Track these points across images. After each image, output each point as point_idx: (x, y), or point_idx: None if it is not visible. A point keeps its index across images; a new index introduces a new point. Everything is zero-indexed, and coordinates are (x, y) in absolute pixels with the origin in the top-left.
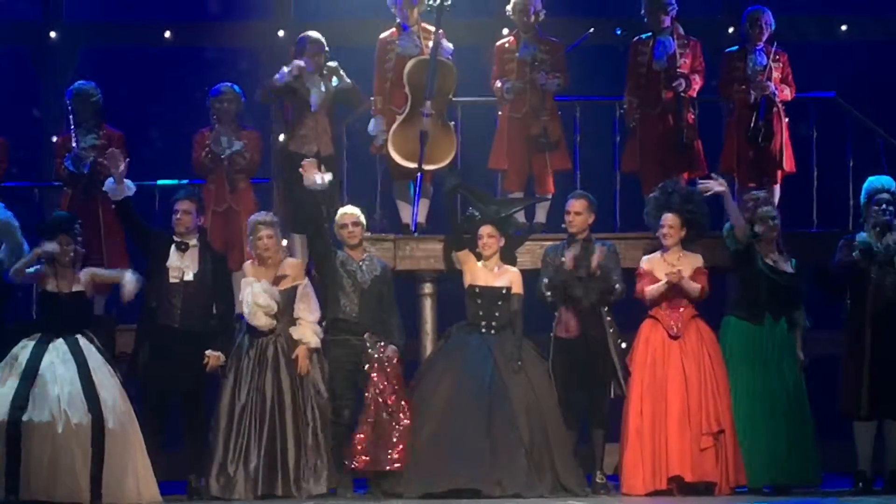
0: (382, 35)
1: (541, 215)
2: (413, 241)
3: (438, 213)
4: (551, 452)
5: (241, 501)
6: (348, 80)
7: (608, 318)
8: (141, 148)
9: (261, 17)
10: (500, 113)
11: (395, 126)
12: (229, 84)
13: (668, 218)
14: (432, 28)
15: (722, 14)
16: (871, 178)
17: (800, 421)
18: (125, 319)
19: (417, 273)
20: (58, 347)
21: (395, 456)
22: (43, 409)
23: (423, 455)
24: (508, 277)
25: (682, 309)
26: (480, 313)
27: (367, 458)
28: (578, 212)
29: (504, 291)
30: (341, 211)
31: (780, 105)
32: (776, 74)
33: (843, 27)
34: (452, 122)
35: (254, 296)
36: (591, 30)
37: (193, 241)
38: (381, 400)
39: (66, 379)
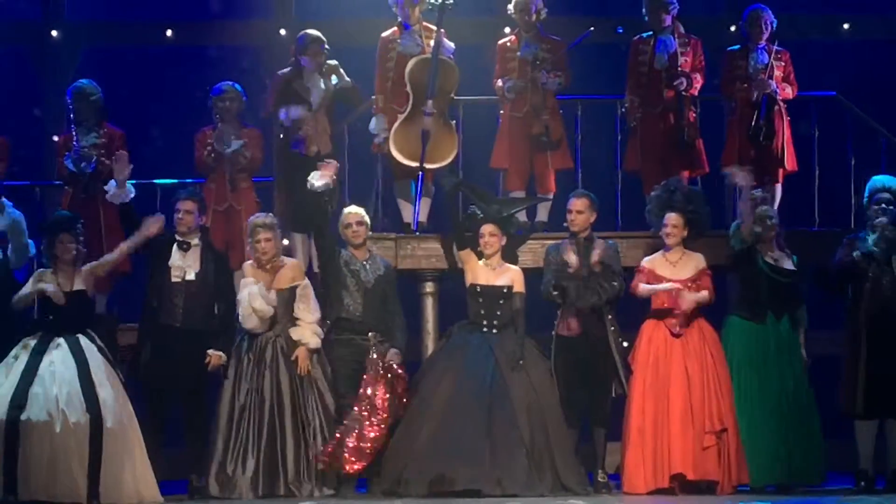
0: (384, 34)
1: (542, 214)
2: (414, 240)
3: (440, 213)
4: (552, 452)
5: (241, 501)
6: (348, 79)
7: (609, 317)
8: (142, 147)
9: (262, 16)
10: (501, 112)
11: (396, 125)
12: (231, 83)
13: (672, 217)
14: (433, 27)
15: (723, 12)
16: (874, 178)
17: (803, 419)
18: (127, 318)
19: (419, 272)
20: (58, 347)
21: (354, 460)
22: (41, 409)
23: (423, 455)
24: (510, 276)
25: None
26: (482, 312)
27: (327, 456)
28: (580, 210)
29: (505, 290)
30: (346, 210)
31: (781, 104)
32: (778, 73)
33: (845, 26)
34: (454, 121)
35: (250, 298)
36: (592, 28)
37: (195, 241)
38: (364, 403)
39: (65, 378)
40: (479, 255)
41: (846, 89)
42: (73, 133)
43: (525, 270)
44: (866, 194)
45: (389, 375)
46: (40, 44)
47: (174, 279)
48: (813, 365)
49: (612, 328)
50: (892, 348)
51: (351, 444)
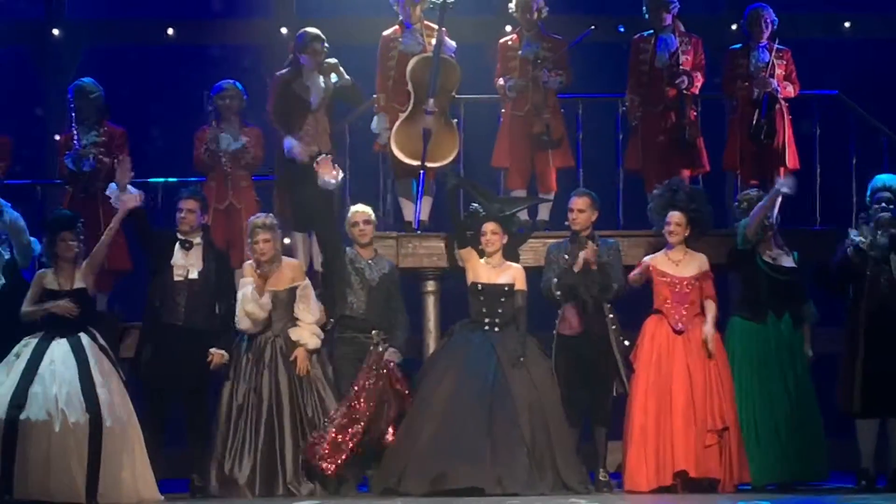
0: (385, 32)
1: (544, 213)
2: (416, 239)
3: (441, 211)
4: (553, 451)
5: (240, 500)
6: (348, 77)
7: (611, 316)
8: (144, 146)
9: (263, 14)
10: (502, 111)
11: (397, 124)
12: (231, 81)
13: (675, 216)
14: (435, 26)
15: (725, 11)
16: (876, 176)
17: (805, 418)
18: (128, 318)
19: (420, 271)
20: (59, 346)
21: (327, 463)
22: (40, 408)
23: (424, 453)
24: (511, 274)
25: (687, 306)
26: (483, 310)
27: (309, 448)
28: (581, 209)
29: (507, 288)
30: (353, 209)
31: (782, 102)
32: (779, 71)
33: (847, 24)
34: (455, 120)
35: (243, 301)
36: (593, 27)
37: (197, 240)
38: (352, 399)
39: (65, 378)
40: (481, 254)
41: (848, 88)
42: (74, 132)
43: (526, 269)
44: (868, 193)
45: (385, 372)
46: (41, 43)
47: (177, 278)
48: (814, 363)
49: (614, 327)
50: (890, 346)
51: (329, 438)
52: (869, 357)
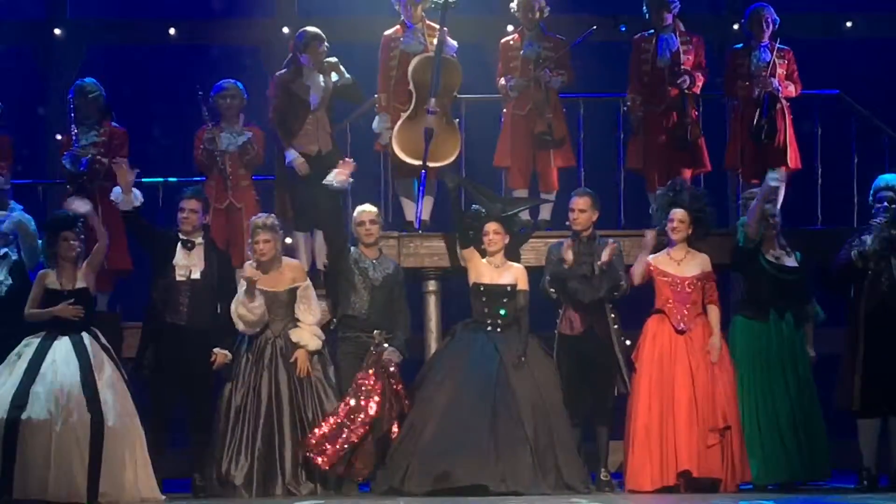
0: (386, 32)
1: (545, 213)
2: (417, 239)
3: (442, 211)
4: (556, 450)
5: (241, 500)
6: (348, 76)
7: (612, 315)
8: (146, 145)
9: (265, 14)
10: (504, 110)
11: (399, 124)
12: (232, 80)
13: (678, 213)
14: (436, 25)
15: (726, 11)
16: (880, 176)
17: (807, 418)
18: (129, 317)
19: (421, 271)
20: (61, 345)
21: (322, 457)
22: (42, 408)
23: (427, 452)
24: (513, 274)
25: (688, 305)
26: (485, 311)
27: (305, 443)
28: (582, 209)
29: (509, 289)
30: (360, 208)
31: (784, 102)
32: (780, 71)
33: (848, 24)
34: (457, 120)
35: (235, 304)
36: (595, 27)
37: (199, 239)
38: (351, 398)
39: (66, 377)
40: (483, 254)
41: (849, 87)
42: (73, 131)
43: (528, 269)
44: (871, 192)
45: (382, 371)
46: (44, 43)
47: (179, 278)
48: (816, 363)
49: (615, 326)
50: (891, 345)
51: (324, 431)
52: (870, 356)
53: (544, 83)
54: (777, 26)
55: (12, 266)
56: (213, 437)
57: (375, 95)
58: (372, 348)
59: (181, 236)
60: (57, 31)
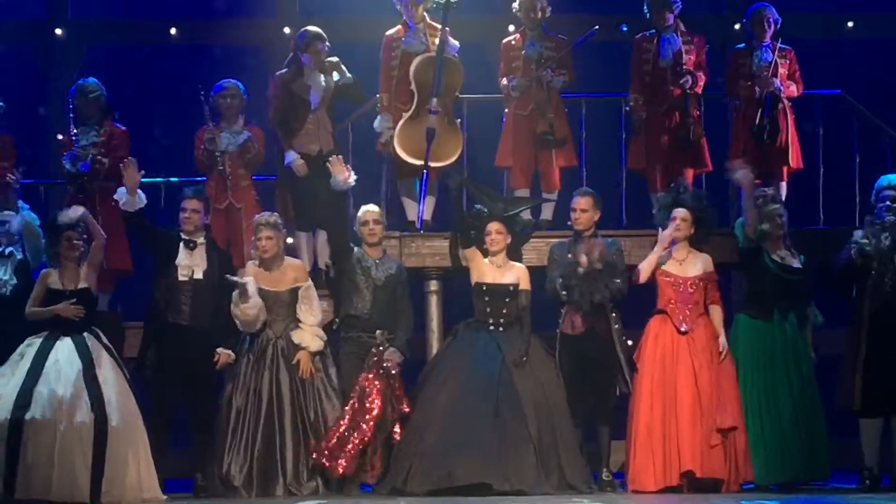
0: (388, 32)
1: (546, 212)
2: (419, 239)
3: (444, 211)
4: (559, 450)
5: (242, 500)
6: (349, 75)
7: (614, 315)
8: (147, 145)
9: (266, 14)
10: (506, 110)
11: (401, 123)
12: (233, 80)
13: (681, 212)
14: (438, 25)
15: (728, 11)
16: (882, 176)
17: (809, 418)
18: (130, 317)
19: (423, 270)
20: (63, 345)
21: (334, 462)
22: (45, 408)
23: (431, 452)
24: (516, 274)
25: (691, 305)
26: (488, 310)
27: (322, 453)
28: (584, 209)
29: (512, 288)
30: (364, 208)
31: (786, 102)
32: (782, 71)
33: (850, 24)
34: (458, 120)
35: (232, 305)
36: (597, 27)
37: (201, 239)
38: (355, 400)
39: (69, 377)
40: (485, 253)
41: (851, 87)
42: (73, 132)
43: (529, 269)
44: (873, 192)
45: (381, 372)
46: (45, 43)
47: (182, 278)
48: (818, 363)
49: (617, 326)
50: (893, 346)
51: (335, 438)
52: (872, 356)
53: (546, 83)
54: (779, 26)
55: (17, 265)
56: (214, 438)
57: (377, 95)
58: (374, 349)
59: (183, 236)
60: (58, 31)
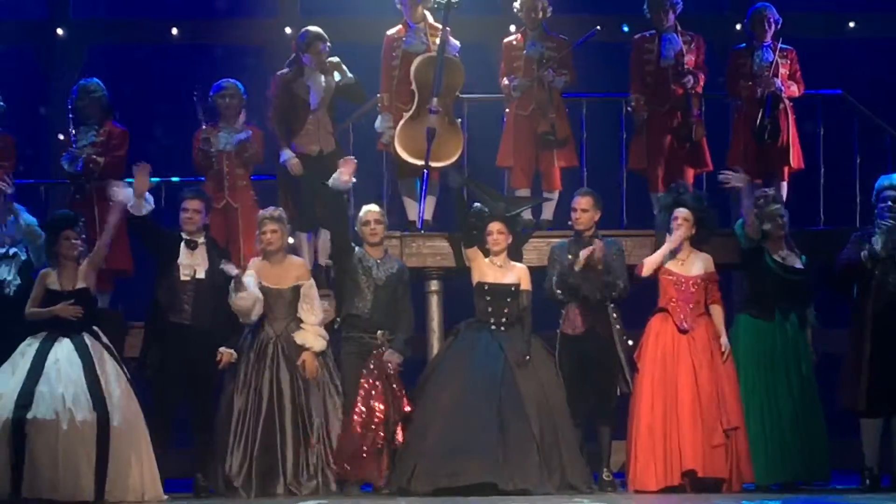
0: (389, 32)
1: (547, 212)
2: (420, 239)
3: (445, 211)
4: (560, 449)
5: (242, 500)
6: (350, 75)
7: (614, 315)
8: (148, 145)
9: (267, 14)
10: (507, 110)
11: (401, 123)
12: (232, 80)
13: (682, 211)
14: (439, 25)
15: (729, 11)
16: (883, 176)
17: (809, 418)
18: (130, 317)
19: (424, 270)
20: (64, 345)
21: (351, 466)
22: (48, 408)
23: (434, 452)
24: (517, 274)
25: (692, 305)
26: (489, 310)
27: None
28: (585, 209)
29: (513, 288)
30: (365, 208)
31: (787, 102)
32: (783, 71)
33: (851, 24)
34: (459, 120)
35: (230, 294)
36: (598, 27)
37: (201, 239)
38: (360, 405)
39: (71, 377)
40: (486, 253)
41: (852, 87)
42: (72, 132)
43: (530, 269)
44: (874, 192)
45: (382, 373)
46: (46, 42)
47: (184, 278)
48: (819, 363)
49: (617, 326)
50: None
51: (350, 447)
52: (876, 356)
53: (547, 83)
54: (779, 26)
55: (21, 266)
56: (215, 437)
57: (378, 95)
58: (375, 350)
59: (184, 236)
60: (59, 31)
